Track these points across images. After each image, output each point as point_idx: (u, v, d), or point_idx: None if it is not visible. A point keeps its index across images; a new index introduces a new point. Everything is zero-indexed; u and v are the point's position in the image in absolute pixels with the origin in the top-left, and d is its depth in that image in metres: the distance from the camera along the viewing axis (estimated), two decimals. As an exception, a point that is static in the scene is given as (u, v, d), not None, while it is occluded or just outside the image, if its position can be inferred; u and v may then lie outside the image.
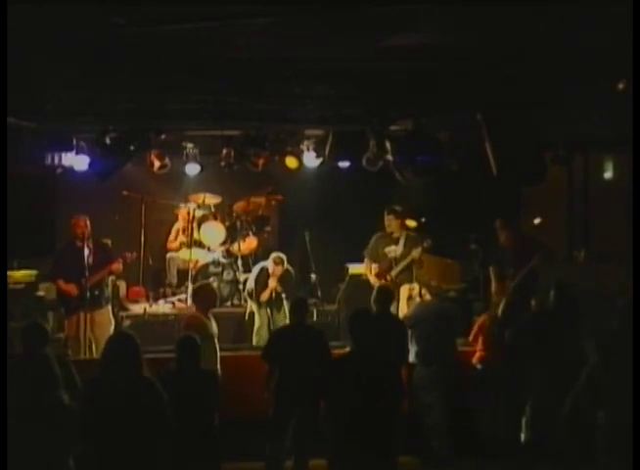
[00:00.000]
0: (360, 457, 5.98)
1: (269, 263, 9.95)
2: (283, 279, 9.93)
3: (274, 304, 9.94)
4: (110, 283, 9.79)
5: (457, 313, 8.43)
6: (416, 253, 9.44)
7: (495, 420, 7.57)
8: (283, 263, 9.88)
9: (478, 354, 7.96)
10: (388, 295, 8.06)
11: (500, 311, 7.75)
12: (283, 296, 9.91)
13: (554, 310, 6.91)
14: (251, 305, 10.17)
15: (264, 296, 9.90)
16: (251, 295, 10.11)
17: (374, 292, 8.10)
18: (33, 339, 5.92)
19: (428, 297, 8.32)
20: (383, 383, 6.13)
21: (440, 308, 8.22)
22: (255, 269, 10.27)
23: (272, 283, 9.87)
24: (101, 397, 5.27)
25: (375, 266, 9.68)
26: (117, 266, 9.23)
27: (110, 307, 9.40)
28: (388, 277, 9.51)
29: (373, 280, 9.57)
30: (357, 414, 5.97)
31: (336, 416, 6.16)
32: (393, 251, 9.62)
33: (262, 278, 10.00)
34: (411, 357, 7.94)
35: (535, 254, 9.13)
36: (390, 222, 9.65)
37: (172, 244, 11.45)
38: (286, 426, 7.17)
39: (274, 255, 10.01)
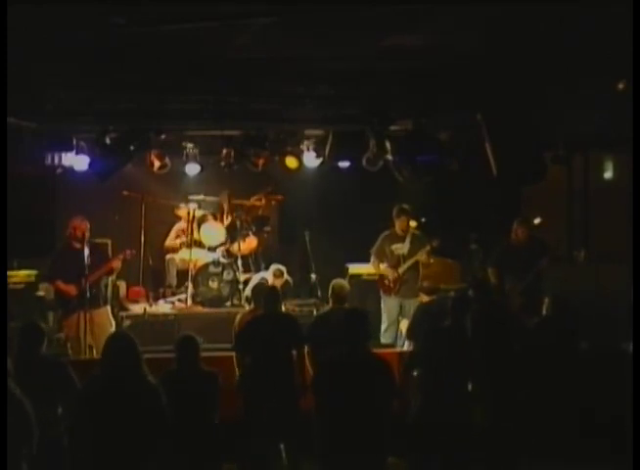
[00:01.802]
0: (333, 460, 5.86)
1: (269, 275, 9.95)
2: (282, 290, 9.93)
3: None
4: (109, 283, 9.79)
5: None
6: (424, 252, 9.46)
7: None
8: (282, 276, 9.90)
9: None
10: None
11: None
12: None
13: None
14: (251, 307, 10.17)
15: None
16: (250, 302, 10.10)
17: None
18: (31, 339, 5.95)
19: (425, 298, 8.33)
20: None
21: (440, 308, 8.21)
22: (254, 280, 10.25)
23: None
24: (100, 396, 5.27)
25: (383, 265, 9.69)
26: (117, 263, 9.23)
27: (108, 308, 9.38)
28: (396, 274, 9.53)
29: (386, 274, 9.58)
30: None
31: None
32: (400, 248, 9.62)
33: None
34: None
35: (542, 256, 9.13)
36: (401, 221, 9.65)
37: (171, 245, 11.44)
38: (264, 420, 6.99)
39: (274, 267, 10.00)
